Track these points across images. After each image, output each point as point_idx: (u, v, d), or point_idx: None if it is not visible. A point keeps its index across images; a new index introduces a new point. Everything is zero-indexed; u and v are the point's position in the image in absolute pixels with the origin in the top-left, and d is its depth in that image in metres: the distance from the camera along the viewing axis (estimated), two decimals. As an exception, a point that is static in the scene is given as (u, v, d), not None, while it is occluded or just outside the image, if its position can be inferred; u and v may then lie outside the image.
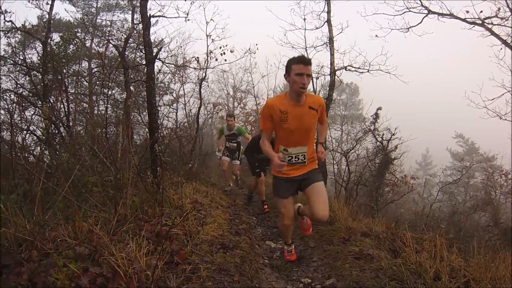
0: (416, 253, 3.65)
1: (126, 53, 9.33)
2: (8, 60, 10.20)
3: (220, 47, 10.61)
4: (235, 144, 9.20)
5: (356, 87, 36.46)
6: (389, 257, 3.74)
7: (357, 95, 39.04)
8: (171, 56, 13.51)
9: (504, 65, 8.87)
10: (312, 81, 9.70)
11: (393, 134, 8.94)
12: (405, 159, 9.92)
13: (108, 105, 9.14)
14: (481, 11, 8.93)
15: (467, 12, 8.96)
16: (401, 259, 3.60)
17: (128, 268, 2.49)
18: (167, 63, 11.99)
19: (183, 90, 16.67)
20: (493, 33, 8.96)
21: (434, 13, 9.40)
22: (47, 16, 9.03)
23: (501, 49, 8.97)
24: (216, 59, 10.76)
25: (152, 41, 6.12)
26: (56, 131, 7.53)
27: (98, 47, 14.72)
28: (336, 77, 7.14)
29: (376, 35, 9.47)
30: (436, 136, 44.26)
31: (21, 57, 9.90)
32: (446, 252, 3.68)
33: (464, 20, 9.06)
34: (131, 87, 7.63)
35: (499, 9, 8.70)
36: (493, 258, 3.60)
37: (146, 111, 5.94)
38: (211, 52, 10.85)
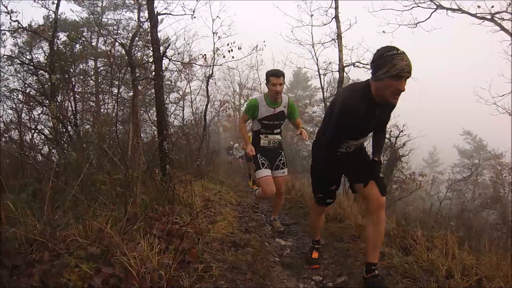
0: (427, 250, 3.61)
1: (133, 51, 9.35)
2: (15, 60, 10.25)
3: (228, 44, 10.62)
4: (279, 137, 5.24)
5: (363, 84, 36.40)
6: (400, 255, 3.70)
7: (364, 92, 38.96)
8: (178, 53, 13.55)
9: (513, 60, 8.79)
10: (320, 78, 9.68)
11: (401, 131, 8.89)
12: (412, 156, 9.88)
13: (115, 104, 9.17)
14: (492, 6, 8.85)
15: (479, 7, 8.87)
16: (413, 256, 3.56)
17: (141, 267, 2.47)
18: (174, 60, 12.01)
19: (190, 87, 16.71)
20: (503, 28, 8.88)
21: (443, 8, 9.33)
22: (53, 15, 9.07)
23: (510, 44, 8.88)
24: (224, 56, 10.76)
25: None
26: (64, 130, 7.56)
27: (105, 46, 14.78)
28: (344, 73, 7.08)
29: (384, 31, 9.42)
30: (443, 133, 44.11)
31: (28, 57, 9.95)
32: (458, 250, 3.64)
33: (473, 15, 8.98)
34: (138, 86, 7.63)
35: (509, 4, 8.61)
36: (504, 256, 3.56)
37: (154, 108, 5.97)
38: (217, 49, 10.87)
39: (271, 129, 5.04)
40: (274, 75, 4.74)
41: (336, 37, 7.61)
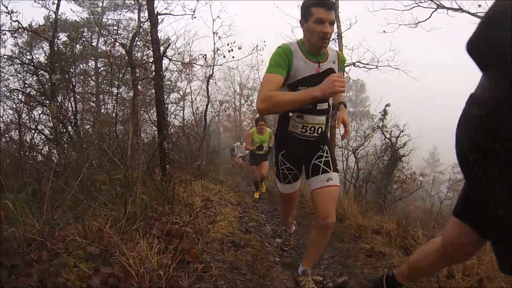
0: (428, 250, 3.60)
1: (133, 51, 9.35)
2: (16, 60, 10.27)
3: (228, 44, 10.63)
4: (323, 120, 2.84)
5: (363, 84, 36.45)
6: (401, 255, 3.71)
7: (364, 91, 38.96)
8: (178, 53, 13.57)
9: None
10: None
11: (402, 131, 8.88)
12: (413, 156, 9.88)
13: (116, 104, 9.18)
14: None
15: (479, 6, 8.87)
16: (414, 256, 3.55)
17: (140, 267, 2.46)
18: (174, 60, 12.02)
19: (190, 88, 16.73)
20: (503, 28, 8.87)
21: (443, 7, 9.33)
22: (53, 15, 9.07)
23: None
24: (224, 56, 10.77)
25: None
26: (64, 130, 7.56)
27: (105, 46, 14.82)
28: (345, 73, 7.07)
29: (384, 31, 9.42)
30: (444, 133, 44.07)
31: (28, 57, 9.95)
32: (458, 250, 3.63)
33: (474, 14, 8.97)
34: (138, 86, 7.63)
35: (510, 3, 8.61)
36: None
37: (154, 108, 5.96)
38: (218, 49, 10.88)
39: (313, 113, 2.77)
40: (322, 6, 2.48)
41: (336, 37, 7.60)
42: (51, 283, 2.17)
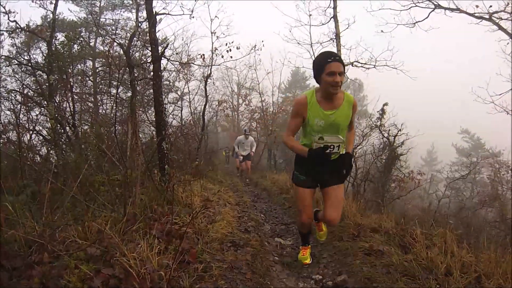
0: (426, 248, 3.62)
1: (131, 51, 9.34)
2: (13, 61, 10.23)
3: (226, 44, 10.62)
4: None
5: (361, 83, 36.50)
6: (399, 253, 3.72)
7: (362, 91, 39.00)
8: (176, 53, 13.54)
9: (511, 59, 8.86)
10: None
11: (400, 130, 8.88)
12: (410, 155, 9.91)
13: (114, 104, 9.17)
14: (491, 6, 8.91)
15: (477, 6, 8.92)
16: (412, 254, 3.57)
17: (141, 268, 2.47)
18: (173, 60, 12.00)
19: (188, 87, 16.69)
20: (500, 28, 8.93)
21: (441, 7, 9.37)
22: (51, 15, 9.05)
23: (508, 43, 8.94)
24: (222, 56, 10.76)
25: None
26: (62, 130, 7.54)
27: (103, 46, 14.78)
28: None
29: (382, 31, 9.43)
30: (441, 132, 44.19)
31: (26, 57, 9.92)
32: (456, 247, 3.66)
33: (471, 14, 9.02)
34: (136, 86, 7.63)
35: (507, 3, 8.66)
36: (503, 254, 3.57)
37: (153, 109, 5.94)
38: (216, 49, 10.87)
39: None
40: None
41: (334, 37, 7.61)
42: (52, 285, 2.18)
